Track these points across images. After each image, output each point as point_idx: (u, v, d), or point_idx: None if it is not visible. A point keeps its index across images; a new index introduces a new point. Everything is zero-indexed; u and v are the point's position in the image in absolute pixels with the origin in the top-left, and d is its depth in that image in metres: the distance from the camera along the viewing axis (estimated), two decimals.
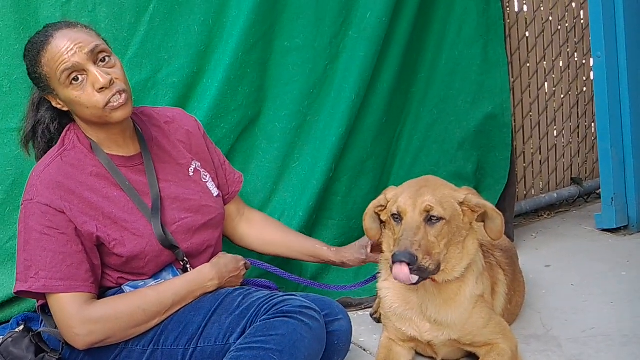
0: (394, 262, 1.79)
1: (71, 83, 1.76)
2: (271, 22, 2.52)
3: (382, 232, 2.03)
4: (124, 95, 1.79)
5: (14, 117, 2.19)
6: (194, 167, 2.05)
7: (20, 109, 2.11)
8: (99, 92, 1.76)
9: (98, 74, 1.75)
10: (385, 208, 1.97)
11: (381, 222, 2.03)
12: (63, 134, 1.89)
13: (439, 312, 1.95)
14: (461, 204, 1.89)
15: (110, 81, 1.76)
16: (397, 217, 1.88)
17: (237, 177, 2.24)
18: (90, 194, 1.81)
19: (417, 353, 2.11)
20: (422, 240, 1.81)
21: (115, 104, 1.78)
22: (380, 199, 2.00)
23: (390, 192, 1.97)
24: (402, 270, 1.78)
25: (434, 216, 1.84)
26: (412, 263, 1.77)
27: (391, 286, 2.03)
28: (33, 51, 1.79)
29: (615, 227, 3.18)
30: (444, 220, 1.84)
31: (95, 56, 1.78)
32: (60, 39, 1.76)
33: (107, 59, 1.80)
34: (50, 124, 1.90)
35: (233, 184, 2.21)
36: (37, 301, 1.91)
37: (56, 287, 1.74)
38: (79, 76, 1.76)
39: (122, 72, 1.83)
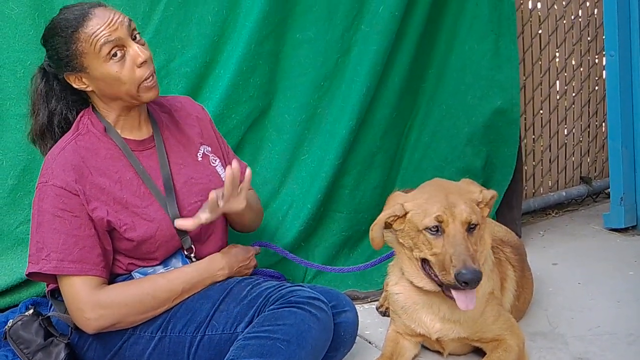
0: (460, 281, 1.73)
1: (111, 58, 1.77)
2: (284, 14, 2.52)
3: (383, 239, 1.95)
4: (155, 78, 1.85)
5: (27, 103, 2.20)
6: (202, 151, 2.05)
7: None
8: (139, 67, 1.79)
9: (139, 49, 1.79)
10: (399, 218, 1.89)
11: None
12: (77, 119, 1.90)
13: (452, 312, 1.94)
14: (479, 203, 1.89)
15: (150, 57, 1.82)
16: (435, 229, 1.82)
17: (240, 169, 2.20)
18: (102, 179, 1.82)
19: (424, 347, 2.11)
20: (472, 253, 1.78)
21: (149, 83, 1.82)
22: (395, 209, 1.88)
23: (407, 203, 1.88)
24: (469, 295, 1.77)
25: (473, 224, 1.82)
26: (479, 281, 1.75)
27: (402, 290, 2.02)
28: (69, 28, 1.77)
29: (623, 227, 3.17)
30: (478, 225, 1.84)
31: (131, 32, 1.81)
32: (102, 15, 1.78)
33: (137, 36, 1.84)
34: (68, 113, 1.91)
35: None
36: (47, 286, 1.92)
37: (68, 268, 1.75)
38: (118, 52, 1.78)
39: (150, 52, 1.86)
